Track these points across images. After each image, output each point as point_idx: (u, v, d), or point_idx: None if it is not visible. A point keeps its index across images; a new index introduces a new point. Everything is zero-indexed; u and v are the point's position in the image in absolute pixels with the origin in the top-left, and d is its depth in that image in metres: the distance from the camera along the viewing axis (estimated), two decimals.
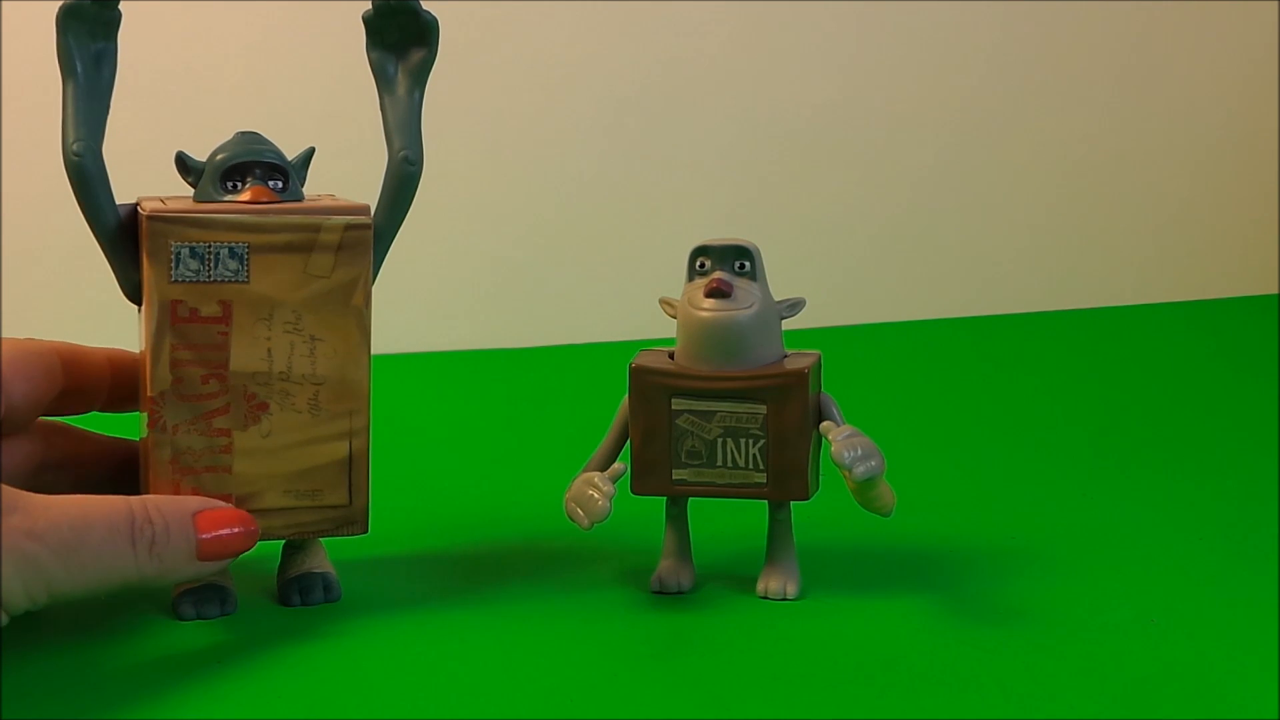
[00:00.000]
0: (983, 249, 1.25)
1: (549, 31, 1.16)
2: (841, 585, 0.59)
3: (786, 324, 0.58)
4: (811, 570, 0.59)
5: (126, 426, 0.60)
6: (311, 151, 0.58)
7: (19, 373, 0.56)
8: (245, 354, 0.55)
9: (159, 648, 0.54)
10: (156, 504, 0.52)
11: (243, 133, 0.57)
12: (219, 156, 0.56)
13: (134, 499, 0.51)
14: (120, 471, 0.59)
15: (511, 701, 0.49)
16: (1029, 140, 1.26)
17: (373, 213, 0.56)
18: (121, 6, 0.54)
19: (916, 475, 0.67)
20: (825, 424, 0.57)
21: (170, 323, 0.54)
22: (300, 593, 0.57)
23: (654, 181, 1.19)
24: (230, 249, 0.54)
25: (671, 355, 0.58)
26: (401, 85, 0.58)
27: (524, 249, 1.17)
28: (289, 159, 0.57)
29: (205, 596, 0.56)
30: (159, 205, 0.55)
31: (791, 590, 0.58)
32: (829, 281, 1.17)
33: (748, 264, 0.57)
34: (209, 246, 0.54)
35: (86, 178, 0.54)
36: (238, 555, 0.53)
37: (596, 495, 0.56)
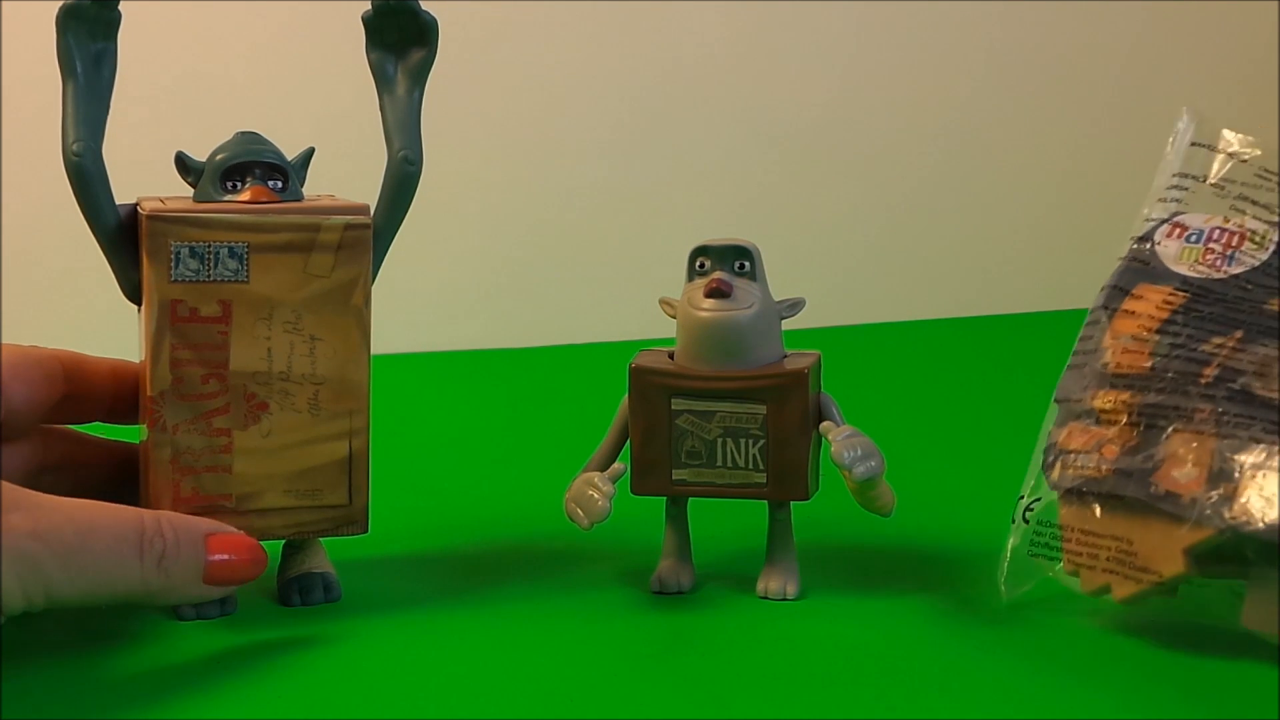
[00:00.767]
0: (982, 249, 1.25)
1: (550, 32, 1.17)
2: (841, 585, 0.59)
3: (786, 324, 0.58)
4: (811, 570, 0.59)
5: (127, 432, 0.60)
6: (311, 152, 0.58)
7: (19, 377, 0.56)
8: (245, 354, 0.55)
9: (159, 648, 0.53)
10: (170, 519, 0.51)
11: (242, 133, 0.57)
12: (219, 156, 0.56)
13: (146, 511, 0.51)
14: (120, 475, 0.59)
15: (511, 701, 0.49)
16: (1028, 141, 1.26)
17: (372, 213, 0.56)
18: (122, 7, 0.54)
19: (916, 475, 0.67)
20: (825, 424, 0.57)
21: (170, 322, 0.54)
22: (300, 592, 0.57)
23: (654, 182, 1.19)
24: (230, 248, 0.54)
25: (671, 355, 0.58)
26: (401, 85, 0.58)
27: (524, 249, 1.17)
28: (288, 159, 0.57)
29: None
30: (159, 205, 0.55)
31: (791, 590, 0.58)
32: (829, 281, 1.17)
33: (748, 264, 0.57)
34: (209, 246, 0.54)
35: (86, 178, 0.54)
36: (243, 583, 0.53)
37: (596, 495, 0.56)
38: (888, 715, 0.48)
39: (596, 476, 0.57)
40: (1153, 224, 0.58)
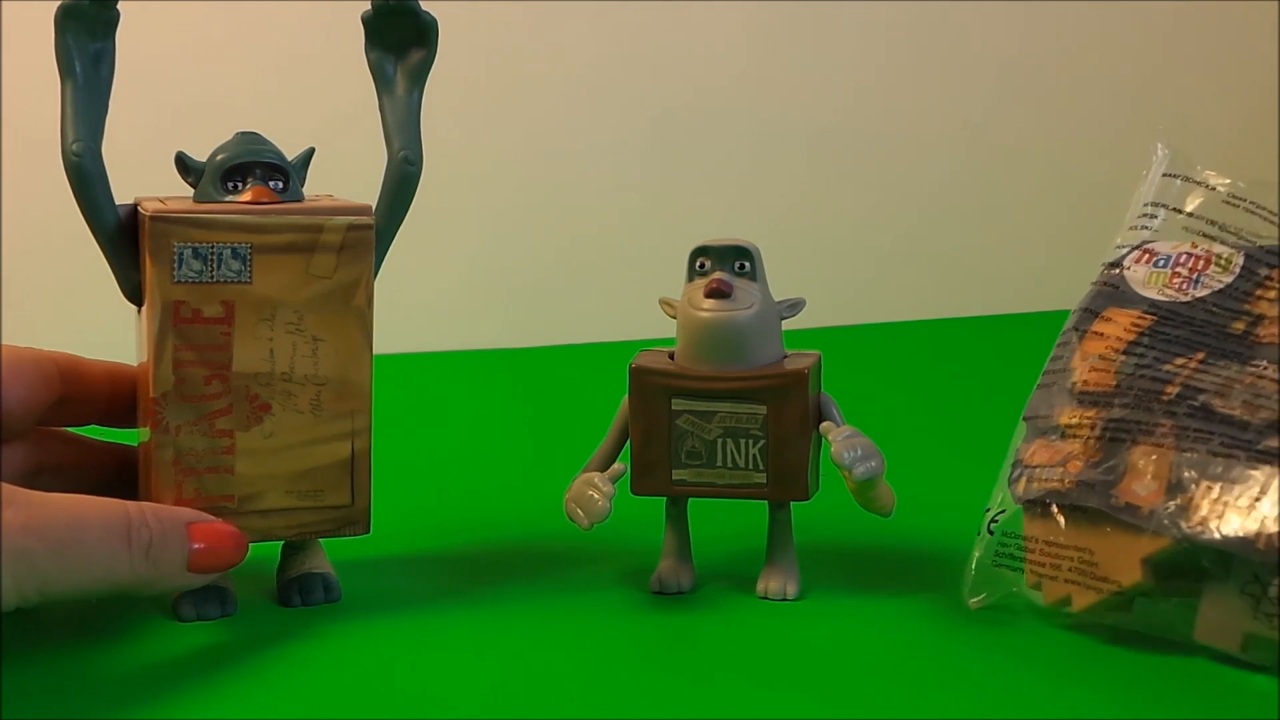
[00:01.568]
0: (982, 250, 1.25)
1: (551, 33, 1.17)
2: (841, 585, 0.59)
3: (786, 324, 0.58)
4: (811, 570, 0.59)
5: (124, 435, 0.60)
6: (311, 152, 0.58)
7: (15, 379, 0.56)
8: (247, 354, 0.55)
9: (159, 648, 0.53)
10: (153, 510, 0.52)
11: (243, 133, 0.57)
12: (219, 157, 0.56)
13: (130, 503, 0.51)
14: (117, 476, 0.59)
15: (512, 701, 0.49)
16: (1028, 141, 1.26)
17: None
18: (121, 6, 0.54)
19: (916, 475, 0.67)
20: (825, 424, 0.57)
21: (173, 323, 0.54)
22: (300, 593, 0.57)
23: (654, 182, 1.19)
24: (233, 249, 0.54)
25: (671, 355, 0.58)
26: (400, 86, 0.58)
27: (524, 250, 1.17)
28: (289, 159, 0.57)
29: (205, 597, 0.55)
30: (159, 206, 0.55)
31: (791, 590, 0.58)
32: (829, 281, 1.17)
33: (748, 264, 0.57)
34: (212, 247, 0.54)
35: (86, 177, 0.54)
36: (226, 569, 0.53)
37: (596, 495, 0.56)
38: (888, 715, 0.48)
39: (596, 477, 0.57)
40: (1123, 250, 0.59)
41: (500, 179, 1.17)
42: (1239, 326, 0.54)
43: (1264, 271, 0.55)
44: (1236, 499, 0.50)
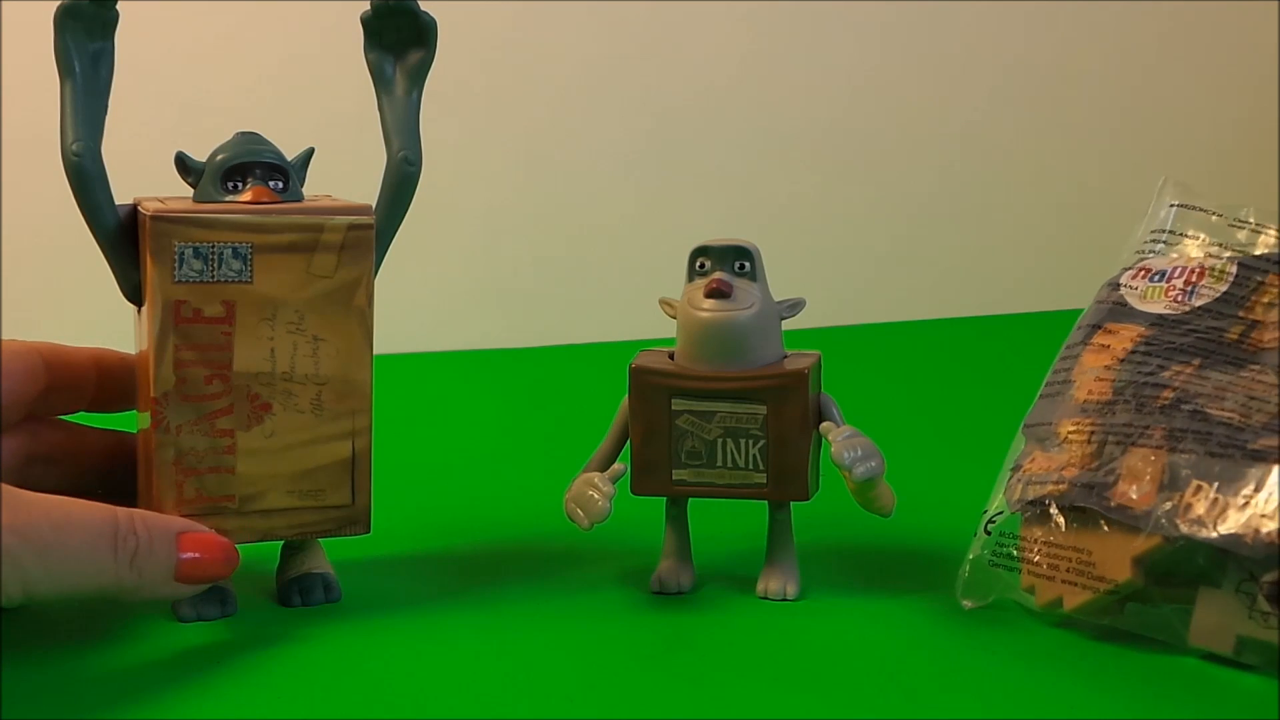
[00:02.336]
0: (982, 250, 1.25)
1: (551, 34, 1.17)
2: (841, 585, 0.59)
3: (786, 324, 0.58)
4: (811, 570, 0.59)
5: (117, 420, 0.60)
6: (311, 152, 0.58)
7: (2, 372, 0.56)
8: (248, 354, 0.55)
9: (159, 649, 0.53)
10: (143, 518, 0.52)
11: (242, 133, 0.57)
12: (219, 157, 0.56)
13: (120, 509, 0.51)
14: (109, 464, 0.59)
15: (512, 701, 0.49)
16: (1028, 142, 1.26)
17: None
18: (120, 6, 0.54)
19: (916, 475, 0.67)
20: (825, 424, 0.57)
21: (174, 323, 0.54)
22: (300, 593, 0.57)
23: (654, 182, 1.19)
24: (234, 249, 0.54)
25: (671, 355, 0.58)
26: (400, 86, 0.58)
27: (524, 250, 1.17)
28: (288, 159, 0.57)
29: (205, 598, 0.55)
30: (160, 205, 0.55)
31: (791, 590, 0.58)
32: (829, 281, 1.17)
33: (748, 264, 0.57)
34: (213, 247, 0.54)
35: (86, 177, 0.54)
36: (214, 581, 0.53)
37: (596, 495, 0.56)
38: (888, 715, 0.48)
39: (596, 477, 0.57)
40: (1124, 272, 0.60)
41: (500, 179, 1.17)
42: (1234, 334, 0.54)
43: (1258, 278, 0.55)
44: (1230, 496, 0.50)
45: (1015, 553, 0.55)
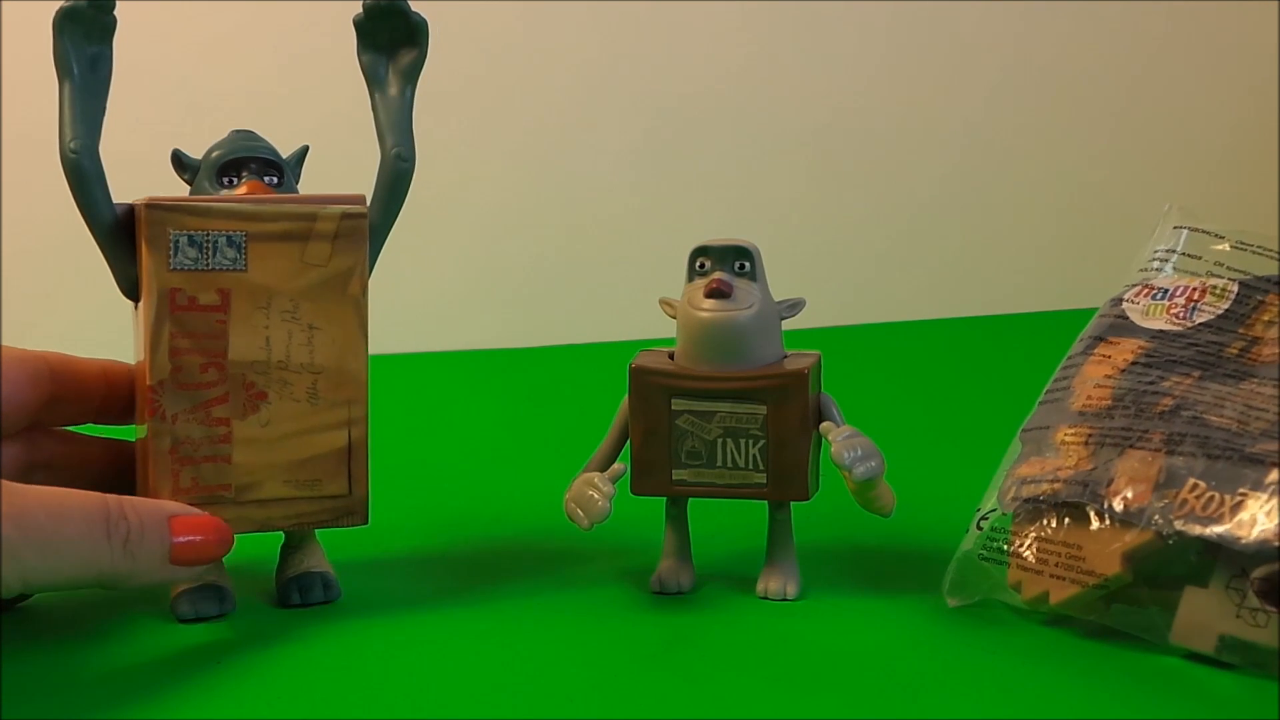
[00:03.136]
0: (982, 250, 1.25)
1: (551, 34, 1.17)
2: (841, 585, 0.59)
3: (786, 324, 0.58)
4: (811, 570, 0.59)
5: (120, 431, 0.60)
6: (305, 149, 0.58)
7: (4, 379, 0.56)
8: (244, 342, 0.55)
9: (158, 648, 0.53)
10: (133, 503, 0.51)
11: (237, 130, 0.57)
12: (214, 153, 0.56)
13: (111, 496, 0.51)
14: (111, 472, 0.59)
15: (511, 701, 0.49)
16: (1029, 142, 1.26)
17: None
18: (118, 8, 0.55)
19: (916, 475, 0.67)
20: (825, 424, 0.57)
21: (169, 311, 0.54)
22: (300, 591, 0.57)
23: (655, 182, 1.19)
24: (228, 237, 0.54)
25: (671, 355, 0.58)
26: (393, 85, 0.58)
27: (524, 250, 1.17)
28: (283, 156, 0.57)
29: (203, 596, 0.55)
30: (154, 197, 0.55)
31: (791, 590, 0.58)
32: (829, 281, 1.17)
33: (748, 264, 0.57)
34: (207, 235, 0.54)
35: (84, 175, 0.54)
36: (210, 562, 0.53)
37: (596, 495, 0.56)
38: (887, 715, 0.48)
39: (596, 477, 0.57)
40: (1127, 289, 0.61)
41: (500, 179, 1.17)
42: (1234, 349, 0.55)
43: (1259, 297, 0.57)
44: (1227, 494, 0.50)
45: (1005, 547, 0.55)
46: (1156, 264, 0.61)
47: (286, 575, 0.58)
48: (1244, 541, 0.49)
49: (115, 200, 0.55)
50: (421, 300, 1.10)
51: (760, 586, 0.58)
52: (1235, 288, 0.57)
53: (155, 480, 0.54)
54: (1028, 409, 0.60)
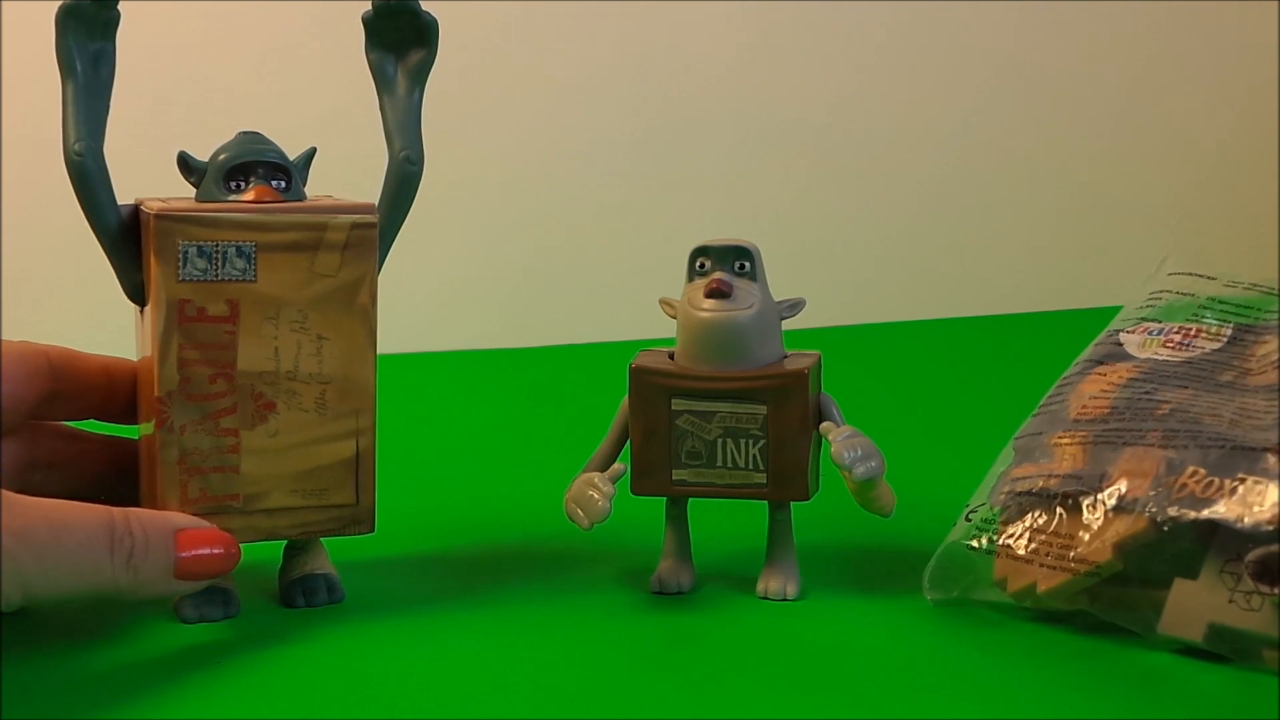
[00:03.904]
0: (982, 249, 1.25)
1: (552, 34, 1.17)
2: (841, 585, 0.59)
3: (786, 324, 0.58)
4: (811, 570, 0.59)
5: (122, 429, 0.60)
6: (313, 152, 0.58)
7: (2, 372, 0.56)
8: (252, 353, 0.55)
9: (161, 649, 0.54)
10: (139, 517, 0.51)
11: (244, 133, 0.57)
12: (221, 156, 0.56)
13: (116, 510, 0.51)
14: (112, 470, 0.59)
15: (512, 701, 0.49)
16: (1029, 142, 1.26)
17: None
18: (121, 7, 0.55)
19: (916, 475, 0.67)
20: (825, 424, 0.57)
21: (178, 322, 0.54)
22: (304, 594, 0.57)
23: (655, 182, 1.20)
24: (238, 248, 0.54)
25: (671, 355, 0.58)
26: (401, 86, 0.58)
27: (525, 250, 1.17)
28: (290, 159, 0.57)
29: (208, 598, 0.55)
30: (162, 205, 0.55)
31: (791, 590, 0.58)
32: (829, 281, 1.17)
33: (748, 264, 0.57)
34: (216, 245, 0.54)
35: (88, 177, 0.54)
36: (216, 576, 0.53)
37: (596, 496, 0.56)
38: (887, 715, 0.48)
39: (596, 477, 0.57)
40: (1124, 324, 0.62)
41: (500, 179, 1.17)
42: (1228, 376, 0.56)
43: (1252, 338, 0.58)
44: (1224, 479, 0.51)
45: (994, 538, 0.55)
46: (1150, 305, 0.62)
47: (290, 577, 0.58)
48: (1243, 523, 0.50)
49: (119, 201, 0.55)
50: (421, 300, 1.10)
51: (760, 586, 0.58)
52: (1229, 330, 0.58)
53: (163, 490, 0.54)
54: (1027, 409, 0.60)
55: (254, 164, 0.56)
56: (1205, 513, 0.50)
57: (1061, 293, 1.18)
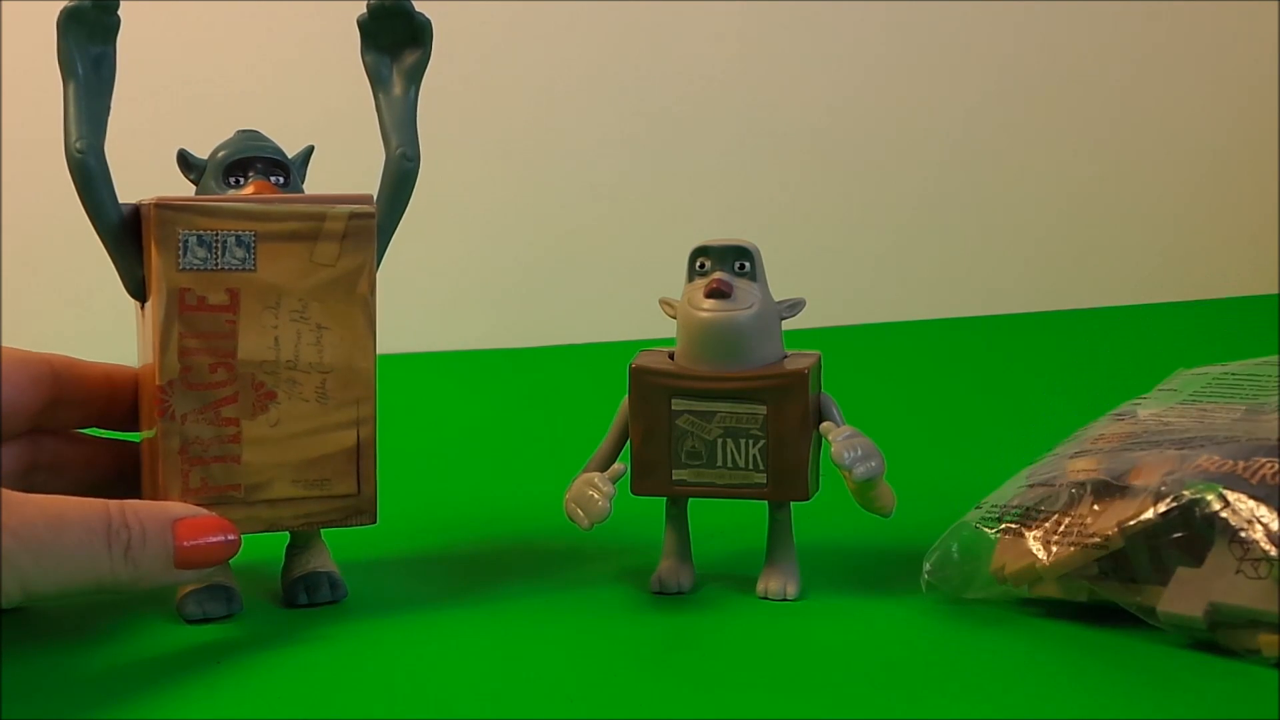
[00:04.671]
0: (983, 249, 1.25)
1: (552, 34, 1.17)
2: (841, 585, 0.59)
3: (786, 324, 0.58)
4: (811, 570, 0.59)
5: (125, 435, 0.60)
6: (310, 149, 0.58)
7: (3, 380, 0.56)
8: (253, 342, 0.55)
9: (163, 647, 0.54)
10: (135, 509, 0.51)
11: (243, 130, 0.57)
12: (220, 153, 0.56)
13: (113, 502, 0.51)
14: (114, 473, 0.59)
15: (513, 701, 0.49)
16: (1029, 142, 1.26)
17: None
18: (123, 8, 0.55)
19: (917, 475, 0.67)
20: (825, 424, 0.57)
21: (178, 311, 0.54)
22: (306, 591, 0.57)
23: (655, 182, 1.20)
24: (237, 237, 0.54)
25: (671, 355, 0.58)
26: (397, 85, 0.58)
27: (525, 250, 1.17)
28: (289, 156, 0.57)
29: (211, 597, 0.56)
30: (162, 197, 0.55)
31: (791, 590, 0.58)
32: (829, 281, 1.17)
33: (748, 264, 0.57)
34: (216, 235, 0.54)
35: (89, 175, 0.54)
36: (217, 564, 0.53)
37: (596, 495, 0.56)
38: (887, 715, 0.48)
39: (597, 477, 0.57)
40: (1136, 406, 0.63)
41: (499, 179, 1.17)
42: (1239, 414, 0.58)
43: (1264, 400, 0.59)
44: (1241, 460, 0.52)
45: (1005, 517, 0.56)
46: (1159, 397, 0.63)
47: (293, 575, 0.58)
48: (1254, 485, 0.50)
49: (120, 200, 0.55)
50: (421, 300, 1.10)
51: (760, 586, 0.58)
52: (1242, 407, 0.59)
53: (165, 480, 0.54)
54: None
55: (253, 160, 0.56)
56: (1217, 475, 0.51)
57: (1061, 293, 1.19)
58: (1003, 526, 0.56)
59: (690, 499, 0.59)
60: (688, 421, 0.57)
